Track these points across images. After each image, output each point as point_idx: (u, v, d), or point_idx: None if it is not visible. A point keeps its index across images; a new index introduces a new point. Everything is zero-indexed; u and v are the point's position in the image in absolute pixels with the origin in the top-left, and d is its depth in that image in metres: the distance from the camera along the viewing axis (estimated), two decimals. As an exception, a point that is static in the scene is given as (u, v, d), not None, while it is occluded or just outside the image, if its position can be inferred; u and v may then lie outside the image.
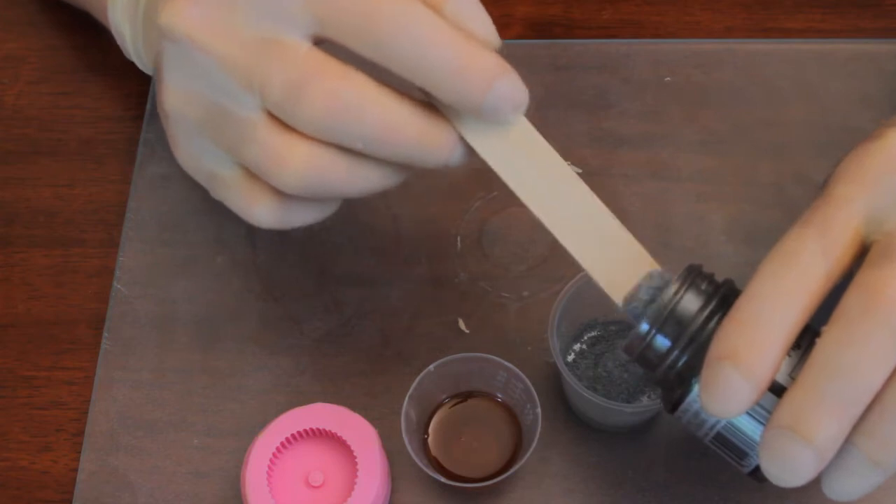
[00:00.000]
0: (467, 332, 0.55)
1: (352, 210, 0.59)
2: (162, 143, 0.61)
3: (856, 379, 0.35)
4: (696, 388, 0.39)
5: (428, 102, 0.40)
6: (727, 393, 0.37)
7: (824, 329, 0.37)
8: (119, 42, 0.53)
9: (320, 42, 0.40)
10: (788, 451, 0.36)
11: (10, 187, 0.61)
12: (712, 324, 0.40)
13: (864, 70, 0.61)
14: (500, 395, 0.52)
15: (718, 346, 0.37)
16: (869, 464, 0.36)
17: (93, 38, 0.64)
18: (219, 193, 0.44)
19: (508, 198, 0.59)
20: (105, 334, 0.56)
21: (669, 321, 0.40)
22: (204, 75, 0.41)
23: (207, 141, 0.43)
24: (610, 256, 0.42)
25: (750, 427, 0.40)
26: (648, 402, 0.51)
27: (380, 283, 0.57)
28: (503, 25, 0.64)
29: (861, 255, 0.39)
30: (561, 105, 0.61)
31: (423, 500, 0.52)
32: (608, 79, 0.62)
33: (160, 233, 0.59)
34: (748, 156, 0.59)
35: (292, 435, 0.50)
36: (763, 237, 0.56)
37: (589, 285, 0.48)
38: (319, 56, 0.39)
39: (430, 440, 0.52)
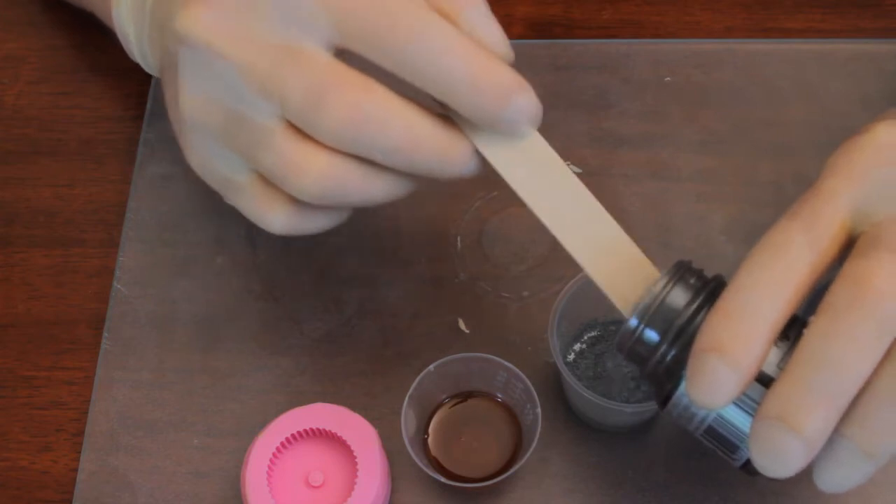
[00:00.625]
0: (467, 332, 0.55)
1: (352, 210, 0.59)
2: (162, 143, 0.61)
3: (843, 370, 0.36)
4: (684, 382, 0.39)
5: (445, 115, 0.41)
6: (713, 384, 0.37)
7: (811, 320, 0.37)
8: (123, 42, 0.53)
9: (340, 53, 0.40)
10: (777, 441, 0.36)
11: (10, 187, 0.61)
12: (700, 317, 0.40)
13: (864, 70, 0.61)
14: (500, 395, 0.52)
15: (704, 338, 0.37)
16: (860, 454, 0.37)
17: (93, 38, 0.64)
18: (232, 199, 0.44)
19: (508, 198, 0.59)
20: (105, 334, 0.56)
21: (657, 315, 0.40)
22: (222, 82, 0.41)
23: (223, 146, 0.43)
24: (618, 268, 0.42)
25: (740, 419, 0.40)
26: (648, 402, 0.51)
27: (380, 283, 0.57)
28: (503, 25, 0.64)
29: (848, 247, 0.39)
30: (561, 105, 0.61)
31: (423, 500, 0.52)
32: (608, 79, 0.62)
33: (160, 233, 0.59)
34: (748, 156, 0.59)
35: (292, 435, 0.50)
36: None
37: (589, 285, 0.48)
38: (340, 67, 0.39)
39: (430, 440, 0.52)
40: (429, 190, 0.59)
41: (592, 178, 0.59)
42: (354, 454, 0.49)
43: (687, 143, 0.60)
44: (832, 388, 0.36)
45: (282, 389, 0.54)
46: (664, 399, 0.42)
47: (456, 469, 0.51)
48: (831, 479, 0.38)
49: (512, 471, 0.49)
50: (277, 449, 0.50)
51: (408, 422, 0.49)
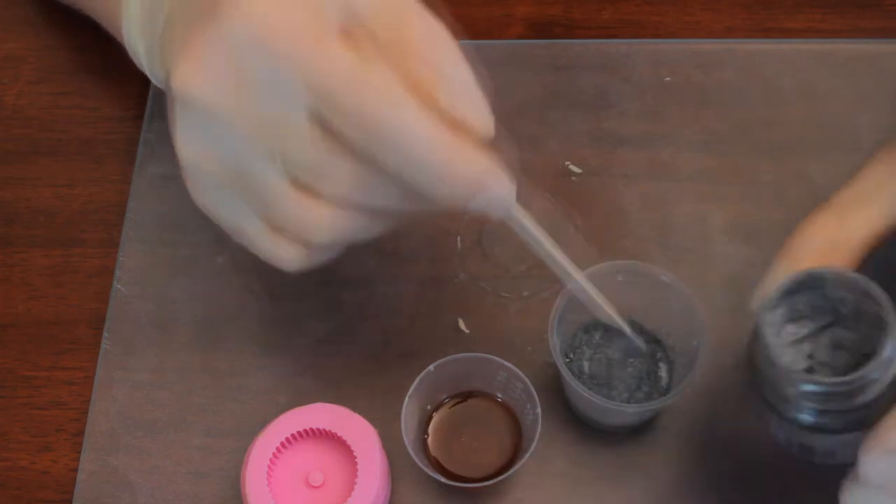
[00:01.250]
0: (467, 332, 0.55)
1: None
2: (162, 143, 0.61)
3: None
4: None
5: (459, 140, 0.40)
6: (886, 475, 0.37)
7: None
8: (133, 57, 0.53)
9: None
10: None
11: (10, 187, 0.61)
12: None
13: (864, 70, 0.61)
14: (500, 395, 0.52)
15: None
16: None
17: (93, 38, 0.64)
18: (242, 241, 0.45)
19: (508, 198, 0.59)
20: (105, 334, 0.56)
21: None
22: (223, 140, 0.40)
23: (228, 194, 0.42)
24: None
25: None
26: (648, 402, 0.51)
27: (380, 283, 0.57)
28: (503, 25, 0.64)
29: None
30: (561, 105, 0.61)
31: (423, 500, 0.52)
32: (608, 79, 0.62)
33: (160, 233, 0.59)
34: (748, 156, 0.59)
35: (292, 435, 0.50)
36: (763, 237, 0.57)
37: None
38: (329, 137, 0.39)
39: (430, 440, 0.52)
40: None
41: (592, 178, 0.59)
42: (354, 454, 0.49)
43: (687, 143, 0.60)
44: None
45: (282, 389, 0.54)
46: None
47: (456, 469, 0.51)
48: None
49: (512, 471, 0.49)
50: (277, 449, 0.50)
51: (408, 422, 0.49)
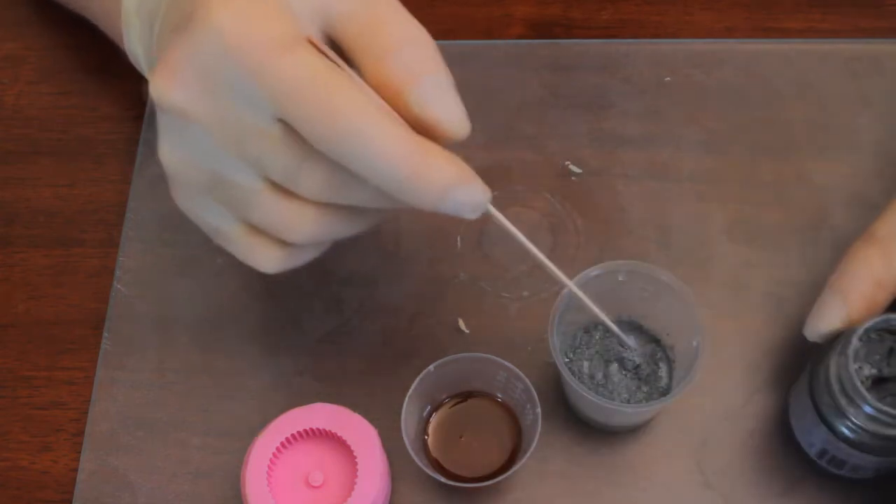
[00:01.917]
0: (467, 332, 0.55)
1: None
2: (162, 143, 0.61)
3: None
4: None
5: (423, 145, 0.40)
6: None
7: None
8: (134, 63, 0.53)
9: None
10: None
11: (10, 187, 0.61)
12: None
13: (864, 70, 0.61)
14: (500, 395, 0.52)
15: None
16: None
17: (92, 38, 0.64)
18: (222, 244, 0.45)
19: (508, 198, 0.59)
20: (105, 334, 0.56)
21: None
22: (201, 146, 0.41)
23: (208, 199, 0.43)
24: None
25: None
26: (648, 403, 0.51)
27: (380, 283, 0.57)
28: (503, 25, 0.64)
29: None
30: (561, 105, 0.61)
31: (423, 500, 0.52)
32: (608, 79, 0.62)
33: (160, 233, 0.59)
34: (748, 156, 0.59)
35: (292, 435, 0.50)
36: (763, 237, 0.57)
37: (588, 285, 0.48)
38: (299, 141, 0.39)
39: (430, 440, 0.52)
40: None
41: (592, 178, 0.59)
42: (354, 454, 0.49)
43: (687, 143, 0.60)
44: None
45: (282, 389, 0.54)
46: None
47: (456, 469, 0.51)
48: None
49: (512, 471, 0.49)
50: (277, 449, 0.50)
51: (408, 422, 0.49)
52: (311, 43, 0.39)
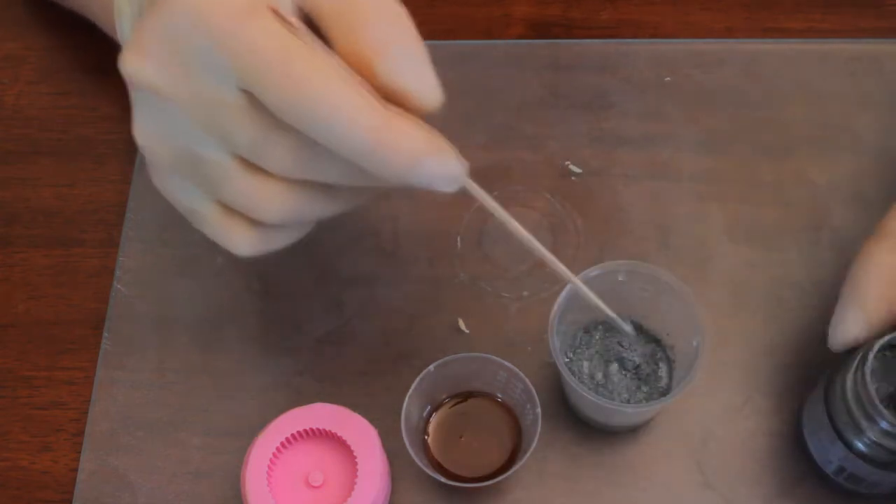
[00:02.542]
0: (467, 332, 0.55)
1: (352, 210, 0.59)
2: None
3: None
4: None
5: (393, 114, 0.39)
6: None
7: None
8: None
9: None
10: None
11: (10, 187, 0.61)
12: None
13: (864, 70, 0.61)
14: (500, 395, 0.52)
15: None
16: None
17: (92, 37, 0.64)
18: (197, 225, 0.45)
19: (508, 198, 0.59)
20: (105, 334, 0.56)
21: None
22: (172, 122, 0.41)
23: (181, 178, 0.43)
24: None
25: None
26: (648, 403, 0.51)
27: (380, 283, 0.57)
28: (503, 25, 0.64)
29: None
30: (561, 105, 0.61)
31: (423, 500, 0.52)
32: (608, 79, 0.62)
33: (160, 233, 0.59)
34: (748, 156, 0.59)
35: (292, 435, 0.50)
36: (763, 237, 0.57)
37: (588, 285, 0.48)
38: (265, 113, 0.39)
39: (430, 440, 0.52)
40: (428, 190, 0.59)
41: (592, 178, 0.59)
42: (354, 454, 0.49)
43: (687, 143, 0.60)
44: None
45: (282, 389, 0.54)
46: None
47: (456, 469, 0.51)
48: None
49: (512, 471, 0.49)
50: (277, 449, 0.50)
51: (408, 422, 0.49)
52: (275, 12, 0.39)
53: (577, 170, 0.59)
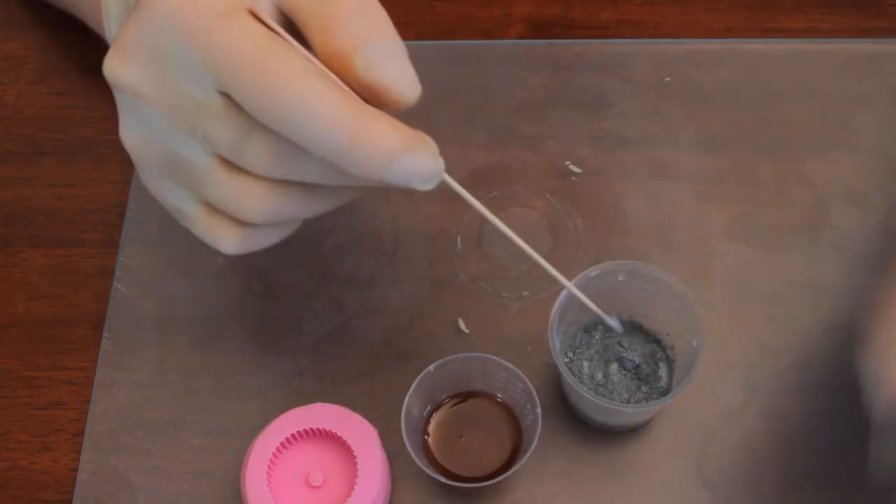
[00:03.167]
0: (467, 332, 0.55)
1: (352, 210, 0.59)
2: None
3: None
4: None
5: (367, 111, 0.39)
6: None
7: None
8: None
9: None
10: None
11: (10, 187, 0.61)
12: None
13: (864, 70, 0.61)
14: (500, 395, 0.52)
15: None
16: None
17: (92, 37, 0.64)
18: (184, 224, 0.45)
19: (508, 198, 0.59)
20: (105, 334, 0.56)
21: None
22: (154, 124, 0.41)
23: (167, 179, 0.43)
24: None
25: None
26: (648, 402, 0.51)
27: (380, 283, 0.57)
28: (503, 25, 0.64)
29: None
30: (561, 105, 0.61)
31: (423, 500, 0.52)
32: (608, 79, 0.62)
33: (160, 233, 0.59)
34: (748, 156, 0.59)
35: (292, 435, 0.50)
36: (763, 237, 0.57)
37: (588, 286, 0.48)
38: (243, 113, 0.39)
39: (430, 440, 0.52)
40: (429, 190, 0.59)
41: (592, 178, 0.59)
42: (354, 454, 0.49)
43: (687, 143, 0.60)
44: None
45: (282, 389, 0.54)
46: None
47: (456, 469, 0.51)
48: None
49: (512, 471, 0.49)
50: (277, 449, 0.50)
51: (408, 422, 0.49)
52: (252, 13, 0.39)
53: (577, 170, 0.59)
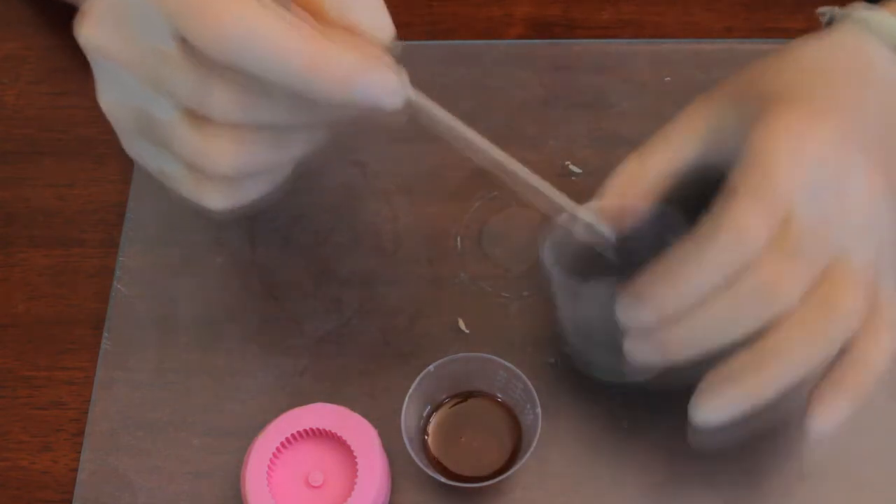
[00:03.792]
0: (467, 332, 0.55)
1: (352, 210, 0.59)
2: (162, 143, 0.61)
3: None
4: None
5: (322, 35, 0.39)
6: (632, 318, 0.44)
7: None
8: None
9: None
10: None
11: (10, 187, 0.61)
12: None
13: (864, 70, 0.61)
14: (500, 395, 0.52)
15: None
16: None
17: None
18: (169, 186, 0.45)
19: (509, 198, 0.59)
20: (105, 334, 0.56)
21: None
22: (122, 84, 0.41)
23: (144, 141, 0.43)
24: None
25: None
26: None
27: (380, 283, 0.57)
28: (503, 25, 0.64)
29: None
30: (561, 105, 0.61)
31: (423, 500, 0.52)
32: (608, 79, 0.62)
33: (160, 233, 0.59)
34: (748, 156, 0.59)
35: (292, 435, 0.50)
36: (763, 237, 0.56)
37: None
38: (200, 59, 0.39)
39: (430, 440, 0.52)
40: (429, 190, 0.59)
41: (592, 178, 0.59)
42: (354, 454, 0.49)
43: (687, 143, 0.60)
44: None
45: (282, 389, 0.54)
46: None
47: (456, 469, 0.51)
48: None
49: (512, 471, 0.49)
50: (277, 449, 0.50)
51: (408, 422, 0.49)
52: None
53: (577, 170, 0.59)
